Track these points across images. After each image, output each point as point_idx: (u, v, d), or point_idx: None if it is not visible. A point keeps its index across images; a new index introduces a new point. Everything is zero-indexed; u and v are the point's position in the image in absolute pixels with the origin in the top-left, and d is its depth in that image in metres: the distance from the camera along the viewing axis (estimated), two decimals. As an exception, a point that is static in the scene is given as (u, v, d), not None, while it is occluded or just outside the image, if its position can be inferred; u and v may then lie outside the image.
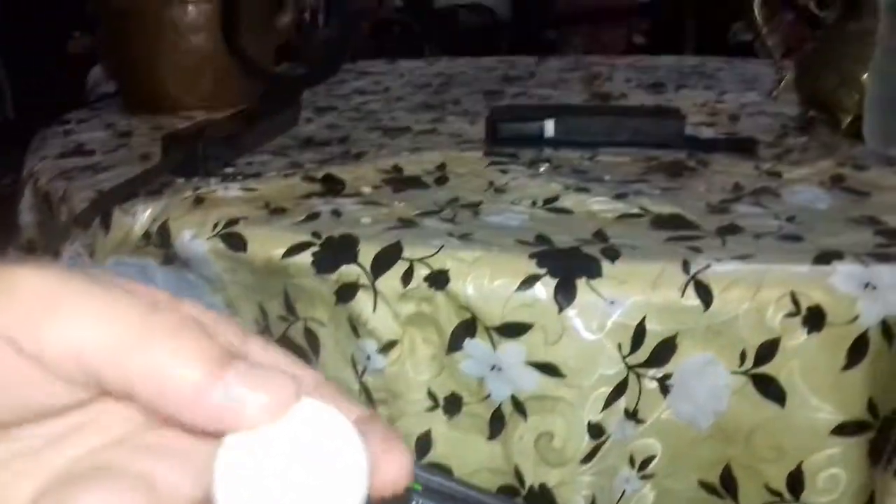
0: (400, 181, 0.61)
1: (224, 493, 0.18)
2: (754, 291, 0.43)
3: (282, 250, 0.48)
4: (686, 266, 0.44)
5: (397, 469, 0.20)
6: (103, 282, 0.20)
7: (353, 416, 0.20)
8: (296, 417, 0.19)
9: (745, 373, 0.44)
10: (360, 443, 0.19)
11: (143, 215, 0.54)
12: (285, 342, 0.49)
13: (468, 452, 0.47)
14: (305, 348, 0.49)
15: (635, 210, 0.53)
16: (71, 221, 0.57)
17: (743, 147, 0.69)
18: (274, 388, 0.19)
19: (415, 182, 0.61)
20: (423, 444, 0.47)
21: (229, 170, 0.64)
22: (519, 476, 0.46)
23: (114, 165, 0.67)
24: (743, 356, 0.44)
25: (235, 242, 0.49)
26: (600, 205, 0.54)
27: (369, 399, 0.47)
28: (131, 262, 0.49)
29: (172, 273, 0.51)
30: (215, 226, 0.50)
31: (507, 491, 0.46)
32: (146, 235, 0.53)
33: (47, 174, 0.67)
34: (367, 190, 0.59)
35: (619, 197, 0.55)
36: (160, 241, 0.52)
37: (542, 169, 0.64)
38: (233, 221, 0.51)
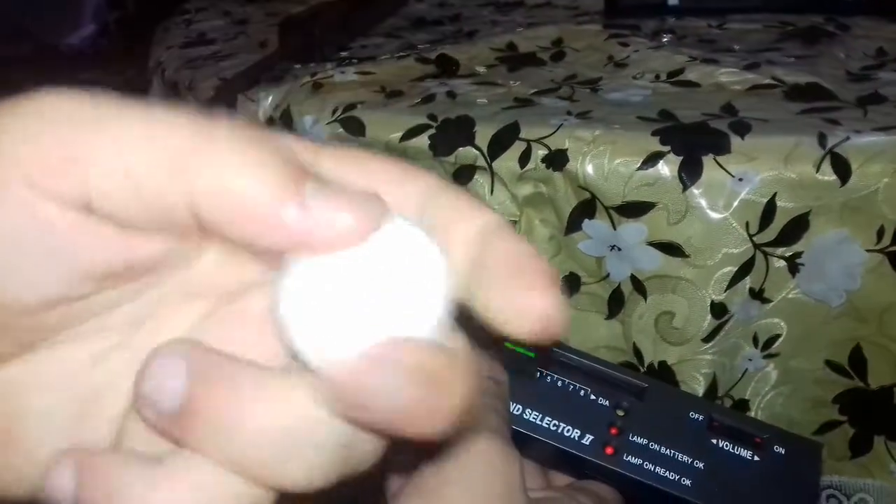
0: (515, 59, 0.59)
1: (291, 318, 0.16)
2: (896, 165, 0.40)
3: (399, 134, 0.48)
4: (822, 139, 0.41)
5: (541, 304, 0.17)
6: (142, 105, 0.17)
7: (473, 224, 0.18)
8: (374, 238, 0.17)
9: (881, 250, 0.42)
10: (443, 264, 0.17)
11: (265, 102, 0.55)
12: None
13: (587, 330, 0.47)
14: (425, 230, 0.50)
15: (767, 81, 0.50)
16: (199, 110, 0.59)
17: (888, 7, 0.63)
18: (359, 206, 0.16)
19: (530, 59, 0.59)
20: (543, 322, 0.47)
21: (344, 53, 0.64)
22: (638, 354, 0.46)
23: (234, 53, 0.68)
24: (880, 233, 0.41)
25: (354, 127, 0.50)
26: (729, 76, 0.51)
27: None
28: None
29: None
30: (334, 111, 0.51)
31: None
32: (270, 121, 0.54)
33: (174, 64, 0.69)
34: (481, 69, 0.58)
35: (750, 67, 0.52)
36: (283, 126, 0.53)
37: (665, 40, 0.61)
38: (351, 106, 0.51)
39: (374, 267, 0.16)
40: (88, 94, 0.17)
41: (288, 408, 0.16)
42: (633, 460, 0.35)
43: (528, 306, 0.17)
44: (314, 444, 0.16)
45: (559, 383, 0.37)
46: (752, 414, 0.46)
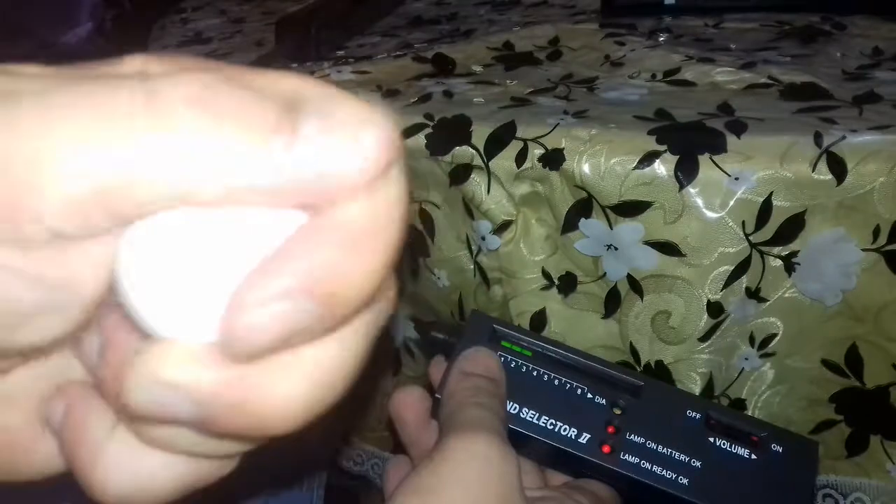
0: (511, 58, 0.59)
1: (128, 272, 0.15)
2: (892, 165, 0.40)
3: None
4: (818, 138, 0.41)
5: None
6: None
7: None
8: None
9: (877, 250, 0.42)
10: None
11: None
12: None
13: (583, 330, 0.47)
14: (420, 230, 0.50)
15: (763, 80, 0.50)
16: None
17: (885, 6, 0.63)
18: (368, 132, 0.15)
19: (527, 58, 0.59)
20: (538, 321, 0.47)
21: (341, 52, 0.64)
22: (634, 353, 0.46)
23: (231, 52, 0.68)
24: (876, 232, 0.42)
25: (351, 126, 0.50)
26: (725, 75, 0.51)
27: (484, 279, 0.48)
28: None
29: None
30: (330, 110, 0.51)
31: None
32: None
33: (169, 64, 0.69)
34: (478, 69, 0.58)
35: (746, 66, 0.52)
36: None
37: (661, 39, 0.61)
38: (347, 105, 0.51)
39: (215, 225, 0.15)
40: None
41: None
42: (631, 459, 0.35)
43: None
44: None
45: (556, 382, 0.37)
46: (749, 413, 0.46)
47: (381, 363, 0.54)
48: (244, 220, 0.15)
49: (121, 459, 0.17)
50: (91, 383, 0.18)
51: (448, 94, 0.52)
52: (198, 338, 0.15)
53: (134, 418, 0.16)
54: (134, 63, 0.16)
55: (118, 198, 0.14)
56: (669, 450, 0.35)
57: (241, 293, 0.14)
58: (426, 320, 0.53)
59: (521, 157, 0.45)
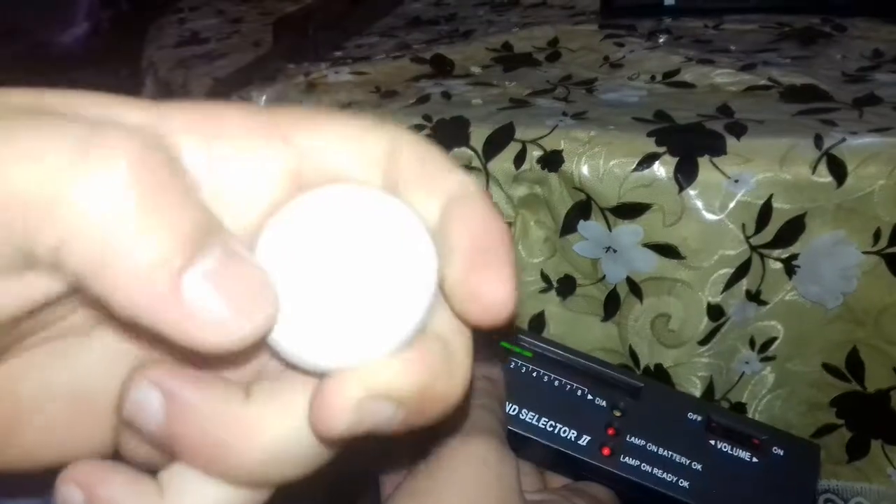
0: (510, 59, 0.59)
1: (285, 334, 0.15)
2: (892, 167, 0.40)
3: (394, 134, 0.48)
4: (818, 140, 0.41)
5: (493, 290, 0.16)
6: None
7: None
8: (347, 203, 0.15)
9: (878, 252, 0.42)
10: (427, 240, 0.16)
11: (259, 101, 0.55)
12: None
13: (582, 333, 0.47)
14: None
15: (763, 82, 0.50)
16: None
17: (886, 8, 0.63)
18: (246, 298, 0.14)
19: (526, 60, 0.59)
20: (537, 324, 0.47)
21: (339, 53, 0.64)
22: (634, 356, 0.46)
23: (228, 53, 0.68)
24: (877, 235, 0.41)
25: (348, 127, 0.50)
26: (725, 77, 0.51)
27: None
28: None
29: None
30: (328, 111, 0.51)
31: (621, 370, 0.47)
32: (263, 122, 0.54)
33: (166, 64, 0.68)
34: (476, 70, 0.58)
35: (746, 68, 0.52)
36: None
37: (661, 40, 0.60)
38: (345, 106, 0.51)
39: (360, 254, 0.15)
40: None
41: (263, 429, 0.16)
42: (631, 461, 0.35)
43: (482, 291, 0.16)
44: (293, 455, 0.16)
45: (556, 383, 0.37)
46: (750, 417, 0.45)
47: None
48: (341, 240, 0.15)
49: None
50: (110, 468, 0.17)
51: (446, 95, 0.52)
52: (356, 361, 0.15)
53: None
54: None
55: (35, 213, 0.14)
56: (670, 452, 0.35)
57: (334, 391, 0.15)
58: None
59: (519, 159, 0.44)
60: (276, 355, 0.16)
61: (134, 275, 0.13)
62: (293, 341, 0.15)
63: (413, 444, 0.28)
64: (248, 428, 0.16)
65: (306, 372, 0.16)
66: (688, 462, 0.35)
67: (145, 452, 0.18)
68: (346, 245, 0.15)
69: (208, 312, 0.14)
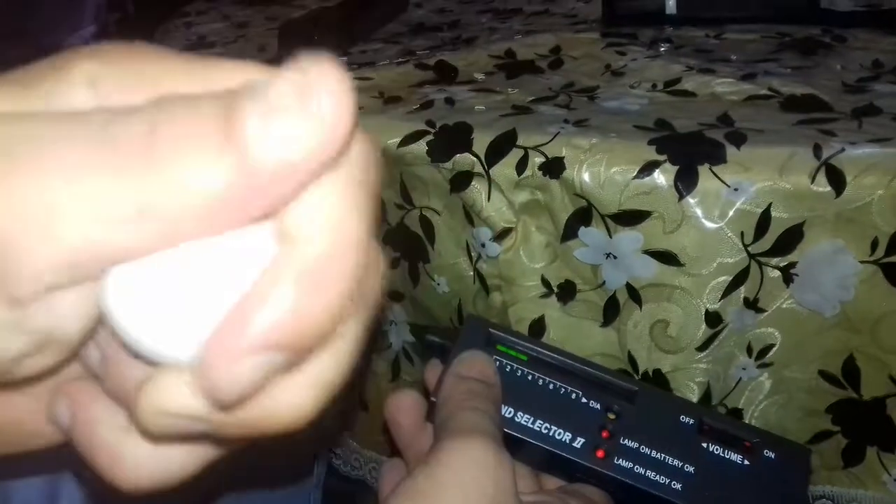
0: (513, 66, 0.60)
1: (118, 308, 0.16)
2: (891, 177, 0.41)
3: (397, 139, 0.48)
4: (817, 150, 0.41)
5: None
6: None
7: None
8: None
9: (875, 262, 0.42)
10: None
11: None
12: (401, 230, 0.50)
13: (581, 338, 0.48)
14: (421, 236, 0.50)
15: (764, 91, 0.50)
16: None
17: (885, 20, 0.63)
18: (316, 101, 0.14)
19: (528, 67, 0.59)
20: (537, 328, 0.48)
21: (343, 59, 0.64)
22: (632, 362, 0.46)
23: (234, 57, 0.68)
24: (874, 244, 0.42)
25: (352, 132, 0.50)
26: (726, 86, 0.51)
27: (484, 285, 0.48)
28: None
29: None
30: (332, 115, 0.51)
31: (620, 375, 0.47)
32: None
33: (172, 67, 0.69)
34: (480, 76, 0.58)
35: (747, 77, 0.53)
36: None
37: (662, 49, 0.61)
38: (349, 111, 0.51)
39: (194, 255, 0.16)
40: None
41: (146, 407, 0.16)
42: (624, 464, 0.35)
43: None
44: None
45: (551, 386, 0.37)
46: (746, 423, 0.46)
47: (370, 346, 0.54)
48: (216, 245, 0.16)
49: (142, 454, 0.18)
50: (94, 383, 0.19)
51: (450, 101, 0.52)
52: (188, 358, 0.16)
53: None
54: (82, 69, 0.16)
55: (109, 251, 0.15)
56: (663, 455, 0.35)
57: (214, 349, 0.15)
58: (423, 324, 0.53)
59: (521, 165, 0.45)
60: (119, 341, 0.17)
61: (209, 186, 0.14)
62: (135, 330, 0.16)
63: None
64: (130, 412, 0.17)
65: (146, 360, 0.17)
66: (680, 464, 0.35)
67: None
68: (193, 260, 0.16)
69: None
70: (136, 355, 0.17)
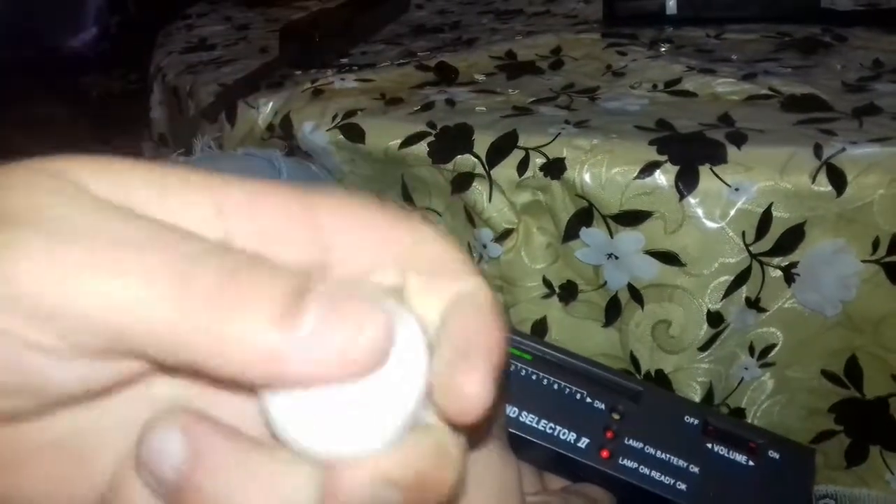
0: (514, 67, 0.60)
1: (286, 426, 0.16)
2: (892, 177, 0.41)
3: (398, 141, 0.48)
4: (818, 150, 0.42)
5: (469, 392, 0.16)
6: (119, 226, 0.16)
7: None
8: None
9: (877, 261, 0.42)
10: (420, 345, 0.17)
11: (265, 108, 0.55)
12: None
13: (583, 338, 0.48)
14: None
15: (764, 91, 0.51)
16: (199, 116, 0.59)
17: (885, 19, 0.63)
18: (363, 326, 0.15)
19: (529, 68, 0.59)
20: (539, 329, 0.48)
21: (345, 60, 0.65)
22: (635, 362, 0.46)
23: (235, 59, 0.68)
24: (876, 244, 0.42)
25: (354, 133, 0.50)
26: (726, 86, 0.52)
27: (486, 286, 0.48)
28: (258, 154, 0.51)
29: (297, 163, 0.53)
30: (334, 117, 0.52)
31: (622, 376, 0.47)
32: (270, 127, 0.54)
33: (174, 69, 0.69)
34: (480, 78, 0.58)
35: (747, 77, 0.53)
36: (283, 132, 0.54)
37: (663, 49, 0.61)
38: (350, 113, 0.51)
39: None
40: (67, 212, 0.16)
41: (280, 491, 0.16)
42: (629, 464, 0.35)
43: (460, 392, 0.17)
44: None
45: (555, 386, 0.37)
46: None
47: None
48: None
49: None
50: None
51: (450, 102, 0.53)
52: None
53: None
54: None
55: (139, 341, 0.15)
56: (667, 455, 0.35)
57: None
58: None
59: (522, 166, 0.45)
60: (275, 435, 0.17)
61: (250, 346, 0.15)
62: (302, 428, 0.17)
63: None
64: (269, 483, 0.16)
65: (299, 453, 0.17)
66: (685, 465, 0.35)
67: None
68: None
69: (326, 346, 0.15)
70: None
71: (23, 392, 0.16)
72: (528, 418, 0.36)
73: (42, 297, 0.15)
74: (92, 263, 0.15)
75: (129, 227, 0.16)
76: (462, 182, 0.46)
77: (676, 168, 0.42)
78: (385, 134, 0.49)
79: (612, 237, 0.44)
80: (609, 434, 0.36)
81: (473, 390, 0.16)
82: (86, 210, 0.16)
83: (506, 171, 0.45)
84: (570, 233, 0.45)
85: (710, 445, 0.36)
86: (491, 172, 0.46)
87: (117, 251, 0.15)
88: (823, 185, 0.41)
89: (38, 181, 0.16)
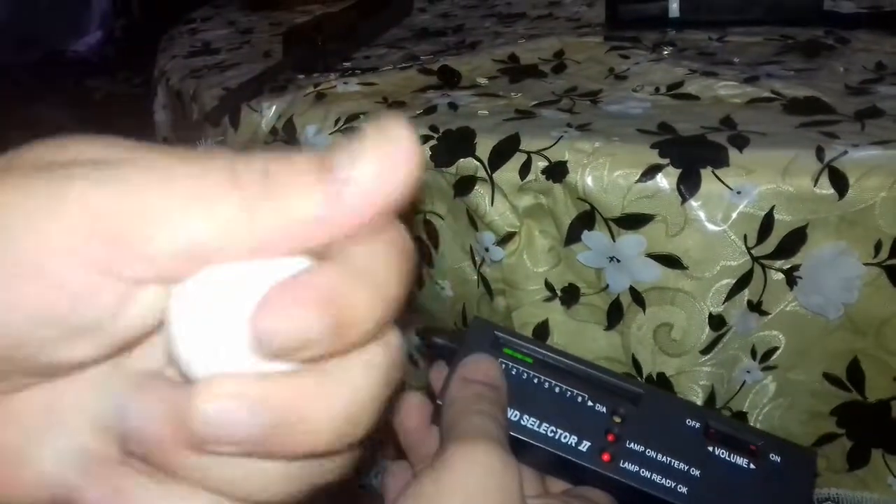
0: (516, 71, 0.60)
1: (177, 331, 0.18)
2: (894, 179, 0.41)
3: (401, 144, 0.48)
4: (820, 153, 0.42)
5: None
6: (173, 158, 0.18)
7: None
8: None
9: (879, 264, 0.42)
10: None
11: (268, 112, 0.55)
12: (407, 234, 0.51)
13: (585, 341, 0.48)
14: (425, 240, 0.50)
15: (766, 94, 0.51)
16: (202, 119, 0.59)
17: (888, 22, 0.63)
18: (388, 151, 0.18)
19: (532, 71, 0.60)
20: (541, 332, 0.48)
21: (348, 64, 0.65)
22: (636, 365, 0.46)
23: (239, 63, 0.69)
24: (878, 247, 0.42)
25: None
26: (728, 89, 0.52)
27: (487, 289, 0.49)
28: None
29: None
30: (336, 121, 0.52)
31: (624, 379, 0.47)
32: (273, 131, 0.55)
33: (178, 73, 0.69)
34: (483, 81, 0.58)
35: (750, 80, 0.53)
36: (287, 136, 0.54)
37: (665, 52, 0.61)
38: (353, 117, 0.52)
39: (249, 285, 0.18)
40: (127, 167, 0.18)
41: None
42: (630, 467, 0.35)
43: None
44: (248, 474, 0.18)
45: (557, 389, 0.37)
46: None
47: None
48: (270, 271, 0.18)
49: None
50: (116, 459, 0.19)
51: (453, 106, 0.53)
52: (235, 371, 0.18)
53: (195, 447, 0.18)
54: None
55: (205, 256, 0.18)
56: (669, 458, 0.35)
57: (265, 301, 0.17)
58: (428, 326, 0.54)
59: (524, 170, 0.45)
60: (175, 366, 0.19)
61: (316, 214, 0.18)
62: (189, 345, 0.18)
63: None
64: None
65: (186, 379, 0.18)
66: (686, 468, 0.35)
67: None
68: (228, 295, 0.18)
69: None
70: (180, 367, 0.18)
71: (91, 331, 0.17)
72: (529, 421, 0.36)
73: (126, 226, 0.17)
74: (170, 195, 0.17)
75: (180, 161, 0.18)
76: (464, 185, 0.47)
77: (678, 171, 0.42)
78: (387, 137, 0.49)
79: (613, 240, 0.44)
80: (610, 437, 0.36)
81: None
82: (139, 153, 0.18)
83: (508, 174, 0.45)
84: (572, 236, 0.45)
85: (711, 448, 0.36)
86: (493, 176, 0.46)
87: (188, 181, 0.17)
88: (825, 188, 0.41)
89: (92, 140, 0.19)
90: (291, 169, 0.18)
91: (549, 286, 0.47)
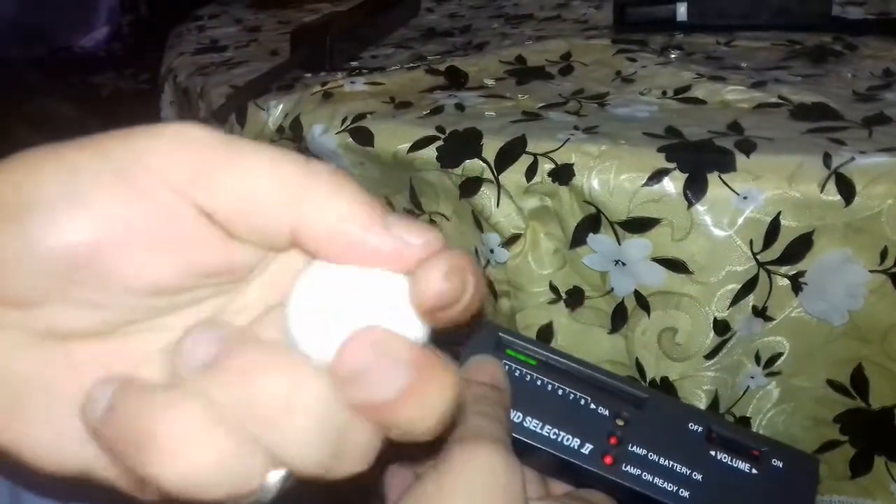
0: (523, 72, 0.60)
1: (295, 313, 0.20)
2: (901, 187, 0.41)
3: (407, 145, 0.48)
4: (827, 159, 0.41)
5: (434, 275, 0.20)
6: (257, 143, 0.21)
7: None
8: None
9: (884, 271, 0.42)
10: (403, 281, 0.21)
11: (275, 110, 0.55)
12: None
13: (589, 344, 0.48)
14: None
15: (774, 99, 0.50)
16: (209, 117, 0.59)
17: (897, 28, 0.63)
18: (423, 232, 0.21)
19: (539, 73, 0.60)
20: (545, 335, 0.48)
21: (355, 63, 0.65)
22: (640, 369, 0.46)
23: (246, 61, 0.69)
24: (884, 254, 0.42)
25: (363, 137, 0.50)
26: (736, 94, 0.52)
27: (492, 291, 0.49)
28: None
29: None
30: (343, 120, 0.52)
31: (628, 382, 0.47)
32: (280, 130, 0.55)
33: (185, 70, 0.69)
34: (490, 82, 0.58)
35: (757, 85, 0.53)
36: (293, 135, 0.54)
37: (673, 56, 0.61)
38: (360, 116, 0.52)
39: (369, 283, 0.21)
40: (219, 133, 0.21)
41: (292, 377, 0.20)
42: (632, 470, 0.35)
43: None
44: (312, 415, 0.20)
45: (560, 392, 0.37)
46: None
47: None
48: (369, 277, 0.21)
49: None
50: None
51: (460, 107, 0.53)
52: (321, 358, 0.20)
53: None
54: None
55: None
56: (671, 462, 0.35)
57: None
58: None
59: (530, 172, 0.45)
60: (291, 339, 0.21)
61: (355, 233, 0.20)
62: (307, 330, 0.21)
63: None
64: (285, 369, 0.20)
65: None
66: (688, 472, 0.35)
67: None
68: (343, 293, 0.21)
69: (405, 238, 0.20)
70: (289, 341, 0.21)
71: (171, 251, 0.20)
72: (532, 423, 0.36)
73: (220, 183, 0.20)
74: (257, 167, 0.20)
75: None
76: (470, 186, 0.47)
77: (685, 175, 0.42)
78: (394, 137, 0.49)
79: (619, 244, 0.44)
80: (613, 440, 0.36)
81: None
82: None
83: (514, 176, 0.45)
84: (578, 239, 0.45)
85: (713, 453, 0.36)
86: (499, 177, 0.46)
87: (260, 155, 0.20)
88: (832, 195, 0.41)
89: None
90: (354, 187, 0.21)
91: (553, 288, 0.47)
